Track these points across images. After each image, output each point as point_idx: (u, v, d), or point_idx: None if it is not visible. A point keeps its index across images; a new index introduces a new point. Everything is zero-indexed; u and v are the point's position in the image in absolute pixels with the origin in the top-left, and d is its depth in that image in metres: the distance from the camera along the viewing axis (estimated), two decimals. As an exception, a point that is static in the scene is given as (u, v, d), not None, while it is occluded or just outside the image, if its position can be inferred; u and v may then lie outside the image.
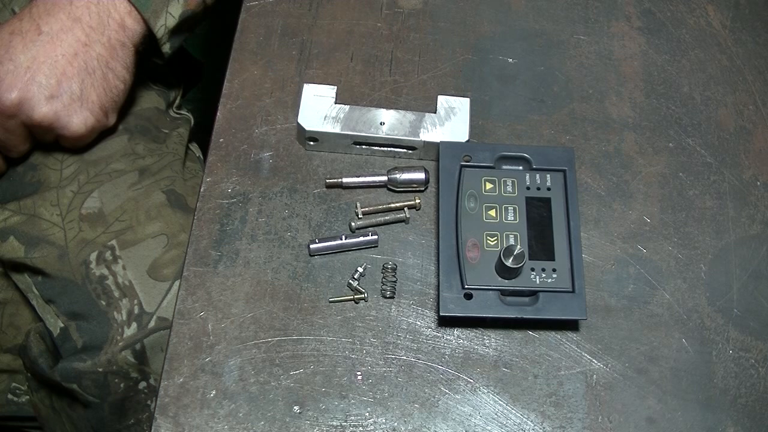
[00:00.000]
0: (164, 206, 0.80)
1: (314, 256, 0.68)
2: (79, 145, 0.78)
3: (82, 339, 0.76)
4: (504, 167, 0.68)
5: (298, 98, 0.72)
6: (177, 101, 0.96)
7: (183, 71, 1.01)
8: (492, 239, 0.65)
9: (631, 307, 0.67)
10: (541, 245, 0.65)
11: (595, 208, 0.72)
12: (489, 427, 0.62)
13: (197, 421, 0.61)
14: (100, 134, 0.79)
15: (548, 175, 0.68)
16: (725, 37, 0.83)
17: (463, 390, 0.63)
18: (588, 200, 0.72)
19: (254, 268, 0.67)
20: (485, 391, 0.63)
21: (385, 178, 0.71)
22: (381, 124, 0.71)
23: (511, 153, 0.68)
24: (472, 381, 0.64)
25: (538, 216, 0.66)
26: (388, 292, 0.66)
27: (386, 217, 0.69)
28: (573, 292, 0.63)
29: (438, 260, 0.65)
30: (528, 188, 0.67)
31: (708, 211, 0.72)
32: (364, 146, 0.72)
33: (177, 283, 0.76)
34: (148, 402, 0.78)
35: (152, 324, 0.75)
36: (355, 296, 0.66)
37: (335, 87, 0.73)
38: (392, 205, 0.70)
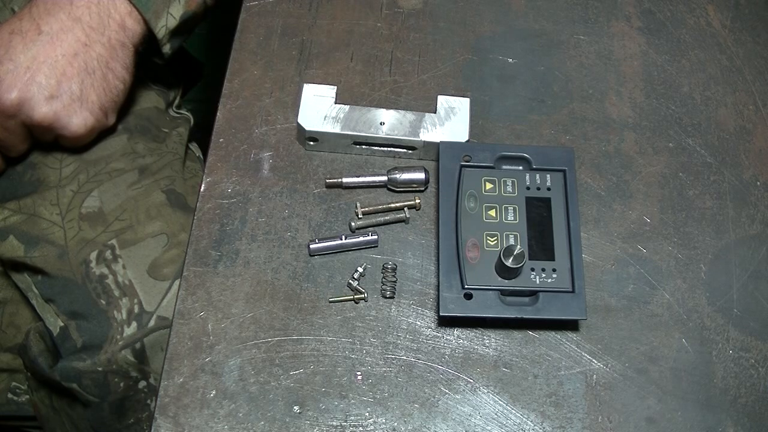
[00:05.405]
0: (164, 205, 0.80)
1: (314, 256, 0.68)
2: (78, 145, 0.78)
3: (81, 338, 0.76)
4: (504, 167, 0.68)
5: (298, 98, 0.72)
6: (177, 101, 0.96)
7: (183, 71, 1.01)
8: (492, 239, 0.65)
9: (631, 307, 0.67)
10: (541, 245, 0.65)
11: (595, 208, 0.72)
12: (489, 427, 0.62)
13: (197, 421, 0.61)
14: (100, 133, 0.79)
15: (548, 175, 0.68)
16: (725, 37, 0.83)
17: (463, 390, 0.63)
18: (588, 200, 0.72)
19: (254, 268, 0.67)
20: (485, 391, 0.63)
21: (385, 178, 0.71)
22: (381, 124, 0.71)
23: (511, 153, 0.68)
24: (472, 381, 0.64)
25: (538, 216, 0.66)
26: (388, 292, 0.66)
27: (386, 217, 0.69)
28: (573, 292, 0.63)
29: (438, 260, 0.65)
30: (528, 188, 0.67)
31: (708, 211, 0.72)
32: (364, 146, 0.72)
33: (177, 282, 0.76)
34: (148, 401, 0.78)
35: (152, 323, 0.76)
36: (355, 296, 0.66)
37: (335, 87, 0.73)
38: (392, 205, 0.70)
